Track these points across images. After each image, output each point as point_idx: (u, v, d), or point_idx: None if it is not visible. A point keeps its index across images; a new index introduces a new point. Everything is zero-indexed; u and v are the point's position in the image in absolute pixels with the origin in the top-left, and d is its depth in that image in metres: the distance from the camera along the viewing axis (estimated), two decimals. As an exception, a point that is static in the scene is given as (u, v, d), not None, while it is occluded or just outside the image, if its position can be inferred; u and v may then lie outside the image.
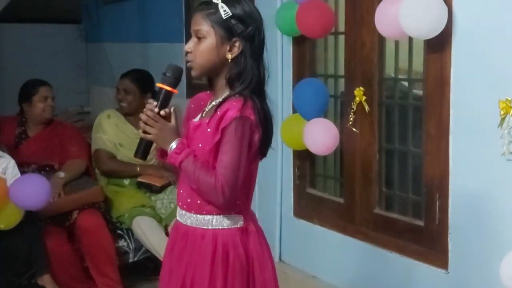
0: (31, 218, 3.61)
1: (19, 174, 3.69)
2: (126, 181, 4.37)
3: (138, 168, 4.30)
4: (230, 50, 2.11)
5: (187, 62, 2.17)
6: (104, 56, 6.28)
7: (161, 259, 3.86)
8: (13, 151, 3.99)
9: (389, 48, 3.38)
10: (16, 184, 3.44)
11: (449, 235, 2.95)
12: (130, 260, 4.15)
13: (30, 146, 4.20)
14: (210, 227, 2.17)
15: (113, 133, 4.41)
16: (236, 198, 2.13)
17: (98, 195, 4.09)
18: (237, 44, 2.10)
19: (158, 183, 4.27)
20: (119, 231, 4.14)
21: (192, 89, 4.35)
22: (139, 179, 4.31)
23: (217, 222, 2.17)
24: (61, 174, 4.04)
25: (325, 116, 3.65)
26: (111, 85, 5.83)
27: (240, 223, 2.19)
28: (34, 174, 3.71)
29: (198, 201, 2.16)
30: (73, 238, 3.96)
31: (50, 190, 3.53)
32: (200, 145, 2.10)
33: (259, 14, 2.16)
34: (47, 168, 4.13)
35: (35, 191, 3.43)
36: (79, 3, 6.72)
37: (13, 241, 3.56)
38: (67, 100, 6.08)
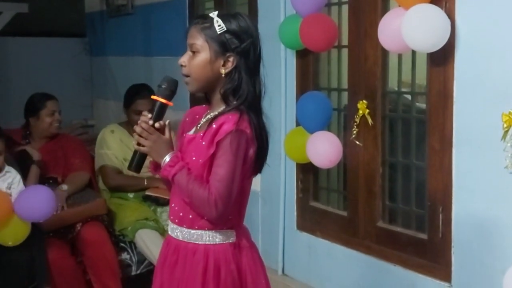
0: (34, 231, 3.61)
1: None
2: (131, 194, 4.37)
3: (145, 182, 4.30)
4: (224, 65, 2.11)
5: (183, 76, 2.16)
6: (109, 70, 6.30)
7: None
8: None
9: (392, 62, 3.40)
10: (21, 197, 3.45)
11: (452, 248, 2.94)
12: (133, 273, 4.13)
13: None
14: (202, 243, 2.15)
15: (118, 148, 4.40)
16: (229, 213, 2.12)
17: (101, 208, 4.09)
18: (231, 59, 2.10)
19: (166, 195, 4.26)
20: (122, 244, 4.14)
21: (195, 103, 4.36)
22: (147, 193, 4.31)
23: (208, 237, 2.15)
24: (64, 187, 4.04)
25: (329, 129, 3.65)
26: (115, 98, 5.86)
27: (232, 239, 2.18)
28: (39, 185, 3.70)
29: (190, 216, 2.15)
30: (76, 251, 3.95)
31: (55, 200, 3.52)
32: (194, 158, 2.09)
33: (256, 30, 2.15)
34: (51, 181, 4.12)
35: (39, 202, 3.44)
36: (84, 17, 6.75)
37: (15, 254, 3.55)
38: (71, 113, 6.09)
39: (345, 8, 3.63)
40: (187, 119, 2.31)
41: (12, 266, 3.56)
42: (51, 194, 3.51)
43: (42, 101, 4.23)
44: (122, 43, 6.06)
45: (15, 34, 6.16)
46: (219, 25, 2.09)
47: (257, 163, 2.15)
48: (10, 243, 3.46)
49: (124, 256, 4.11)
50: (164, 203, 4.26)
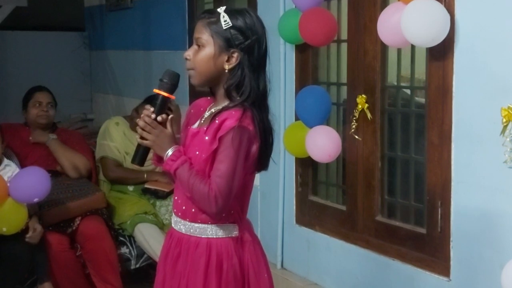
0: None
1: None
2: (130, 188, 4.37)
3: (145, 175, 4.31)
4: (227, 61, 2.10)
5: (187, 69, 2.17)
6: (108, 64, 6.29)
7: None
8: (18, 157, 4.00)
9: (392, 56, 3.39)
10: (15, 178, 3.45)
11: (451, 243, 2.95)
12: (132, 267, 4.14)
13: (34, 152, 4.20)
14: (204, 236, 2.16)
15: (121, 141, 4.40)
16: (230, 208, 2.13)
17: (101, 202, 4.09)
18: (235, 55, 2.10)
19: (165, 188, 4.27)
20: (121, 238, 4.14)
21: (195, 97, 4.36)
22: (146, 186, 4.32)
23: (211, 231, 2.16)
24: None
25: (328, 124, 3.65)
26: (114, 92, 5.86)
27: (235, 233, 2.18)
28: (33, 166, 3.69)
29: (193, 209, 2.15)
30: (75, 245, 3.96)
31: (49, 179, 3.52)
32: (197, 152, 2.10)
33: (263, 27, 2.15)
34: (51, 174, 4.13)
35: (34, 183, 3.44)
36: (83, 11, 6.75)
37: (15, 247, 3.55)
38: (71, 107, 6.11)
39: (344, 2, 3.62)
40: (192, 111, 2.31)
41: (12, 260, 3.56)
42: (45, 174, 3.50)
43: (30, 93, 4.27)
44: (121, 37, 6.06)
45: (14, 28, 6.17)
46: (225, 21, 2.09)
47: (261, 159, 2.15)
48: (4, 229, 3.43)
49: (123, 250, 4.11)
50: (163, 196, 4.27)
